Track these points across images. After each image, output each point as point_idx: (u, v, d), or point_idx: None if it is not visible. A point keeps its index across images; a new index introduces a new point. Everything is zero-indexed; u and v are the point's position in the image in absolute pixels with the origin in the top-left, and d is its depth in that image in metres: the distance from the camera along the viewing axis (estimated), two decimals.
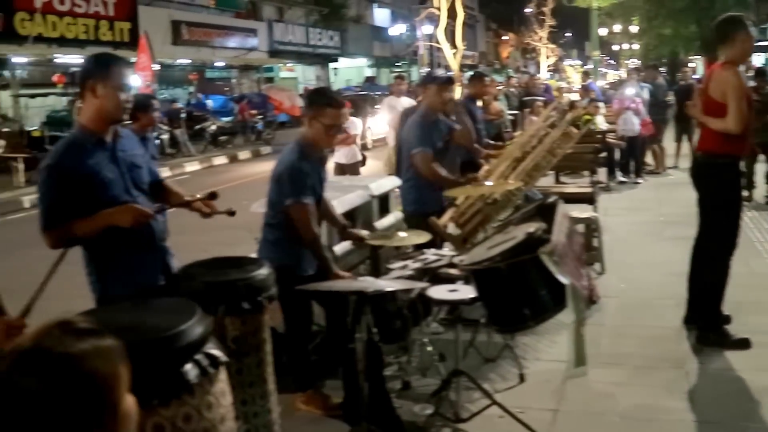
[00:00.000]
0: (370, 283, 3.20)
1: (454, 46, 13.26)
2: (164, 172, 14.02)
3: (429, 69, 36.05)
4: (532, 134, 6.11)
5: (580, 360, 3.52)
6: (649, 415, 4.25)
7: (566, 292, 3.28)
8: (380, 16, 48.90)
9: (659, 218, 9.84)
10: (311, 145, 4.10)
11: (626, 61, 61.60)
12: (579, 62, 75.06)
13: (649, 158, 13.74)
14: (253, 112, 26.02)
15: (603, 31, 41.01)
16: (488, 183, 4.48)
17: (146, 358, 2.20)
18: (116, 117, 3.22)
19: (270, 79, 36.28)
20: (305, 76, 40.30)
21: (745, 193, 10.43)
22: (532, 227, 3.39)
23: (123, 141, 3.36)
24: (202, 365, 2.40)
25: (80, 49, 23.45)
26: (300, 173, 3.98)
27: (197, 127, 23.90)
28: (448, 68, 13.27)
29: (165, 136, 21.54)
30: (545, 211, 3.97)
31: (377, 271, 5.73)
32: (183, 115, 22.67)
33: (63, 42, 22.96)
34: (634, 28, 40.99)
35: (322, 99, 4.07)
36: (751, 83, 9.81)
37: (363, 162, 10.88)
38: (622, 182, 12.60)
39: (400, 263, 4.31)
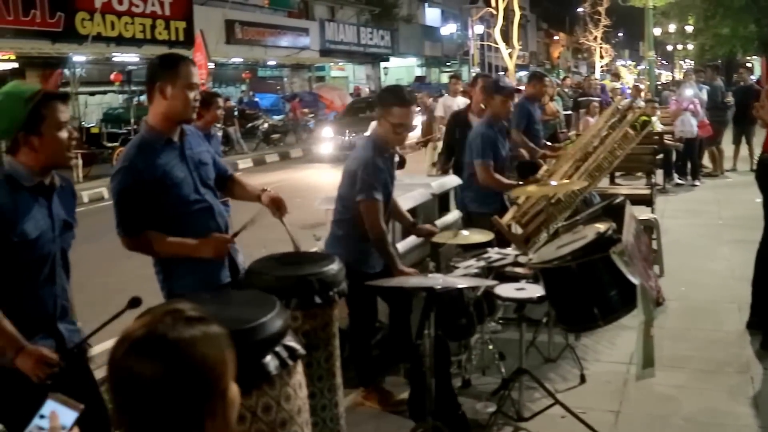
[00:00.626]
0: (439, 280, 3.22)
1: (509, 45, 13.18)
2: None
3: (479, 69, 35.97)
4: (593, 135, 6.07)
5: (648, 361, 3.50)
6: (714, 419, 4.20)
7: (636, 292, 3.26)
8: (431, 15, 48.83)
9: (718, 221, 9.67)
10: (383, 142, 4.15)
11: (680, 62, 60.43)
12: (631, 63, 73.91)
13: (706, 160, 13.50)
14: (305, 110, 26.24)
15: (657, 31, 40.26)
16: (552, 183, 4.46)
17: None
18: (185, 116, 3.25)
19: (321, 78, 36.55)
20: (356, 75, 40.49)
21: None
22: (602, 227, 3.38)
23: (189, 139, 3.38)
24: (281, 357, 2.45)
25: (137, 48, 23.98)
26: (374, 169, 4.03)
27: (249, 125, 24.23)
28: (499, 69, 13.22)
29: (218, 134, 21.82)
30: (611, 212, 3.95)
31: (438, 270, 5.78)
32: (236, 113, 22.97)
33: (121, 41, 23.49)
34: (689, 28, 40.13)
35: (390, 97, 4.10)
36: None
37: (402, 164, 10.45)
38: (678, 184, 12.41)
39: (465, 261, 4.32)
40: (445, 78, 48.00)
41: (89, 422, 2.98)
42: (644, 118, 11.50)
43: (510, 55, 11.78)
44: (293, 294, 3.14)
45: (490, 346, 4.68)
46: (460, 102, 11.55)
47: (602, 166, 5.53)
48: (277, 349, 2.46)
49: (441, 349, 3.53)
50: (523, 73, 57.05)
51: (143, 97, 24.73)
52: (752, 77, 16.35)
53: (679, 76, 44.30)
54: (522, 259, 4.26)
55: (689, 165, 12.65)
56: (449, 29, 45.66)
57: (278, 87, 33.67)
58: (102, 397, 3.19)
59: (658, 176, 11.83)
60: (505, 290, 3.74)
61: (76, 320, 3.00)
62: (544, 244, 3.70)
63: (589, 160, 5.49)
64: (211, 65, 20.90)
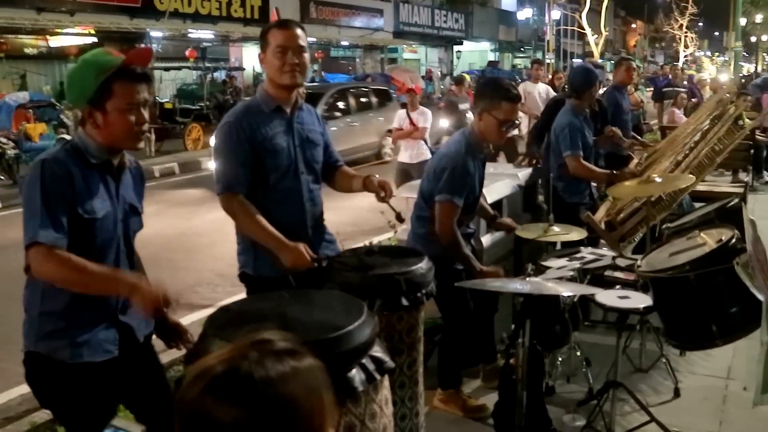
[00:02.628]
0: (539, 286, 2.93)
1: (596, 31, 12.66)
2: None
3: (554, 55, 35.11)
4: (693, 129, 5.65)
5: (765, 387, 3.14)
6: None
7: (761, 309, 2.91)
8: None
9: None
10: (479, 139, 3.87)
11: (763, 54, 58.07)
12: (710, 54, 71.37)
13: None
14: None
15: (742, 21, 38.68)
16: (657, 180, 4.09)
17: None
18: (280, 81, 3.13)
19: (393, 60, 36.26)
20: (428, 57, 40.04)
21: None
22: (724, 234, 3.03)
23: (303, 115, 3.29)
24: (368, 370, 2.19)
25: (212, 24, 24.13)
26: (463, 171, 3.77)
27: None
28: (574, 56, 12.70)
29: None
30: (726, 216, 3.59)
31: (520, 266, 5.48)
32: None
33: (197, 17, 23.65)
34: None
35: (497, 91, 3.79)
36: None
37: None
38: (767, 182, 11.73)
39: (556, 261, 4.02)
40: (518, 63, 47.15)
41: (157, 413, 2.83)
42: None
43: (596, 41, 11.26)
44: (378, 294, 2.87)
45: (578, 352, 4.37)
46: (542, 89, 11.16)
47: (704, 164, 5.12)
48: (364, 361, 2.20)
49: (535, 359, 3.24)
50: (599, 61, 55.97)
51: (217, 74, 25.00)
52: None
53: (761, 68, 42.48)
54: (621, 262, 3.93)
55: None
56: (525, 14, 44.71)
57: (350, 68, 33.52)
58: (168, 385, 3.02)
59: (743, 173, 11.26)
60: (607, 298, 3.42)
61: None
62: (653, 250, 3.35)
63: (690, 156, 5.09)
64: None
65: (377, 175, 3.36)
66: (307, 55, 3.16)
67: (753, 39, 55.65)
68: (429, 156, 9.08)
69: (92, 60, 2.50)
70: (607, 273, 3.76)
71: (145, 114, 2.52)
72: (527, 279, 2.99)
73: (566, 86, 12.34)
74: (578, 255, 4.14)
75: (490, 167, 5.13)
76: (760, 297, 2.95)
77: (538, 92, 11.05)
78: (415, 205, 4.02)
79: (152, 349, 2.88)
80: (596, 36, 11.38)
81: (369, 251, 3.25)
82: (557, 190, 5.46)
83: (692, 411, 4.17)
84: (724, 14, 31.85)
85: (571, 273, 3.63)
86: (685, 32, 21.68)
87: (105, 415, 2.62)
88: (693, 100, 13.17)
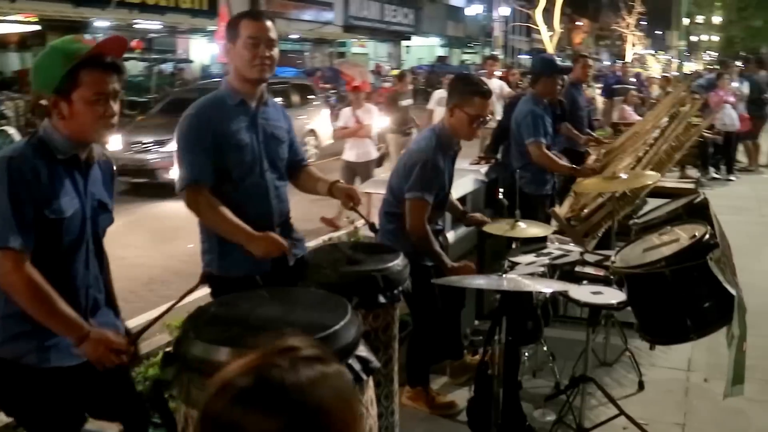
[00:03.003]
0: (516, 283, 2.91)
1: (551, 28, 12.79)
2: None
3: (502, 51, 35.41)
4: (652, 126, 5.74)
5: (738, 378, 3.20)
6: None
7: (733, 303, 2.96)
8: None
9: (760, 218, 9.32)
10: (450, 136, 3.84)
11: (702, 53, 59.56)
12: (652, 52, 72.98)
13: (740, 155, 13.12)
14: (326, 86, 25.83)
15: (685, 21, 39.62)
16: (623, 176, 4.13)
17: None
18: (248, 75, 2.99)
19: (342, 54, 36.09)
20: (377, 52, 39.99)
21: None
22: (697, 230, 3.06)
23: (268, 110, 3.16)
24: (355, 371, 2.15)
25: (160, 15, 23.65)
26: (434, 168, 3.73)
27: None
28: (520, 52, 12.83)
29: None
30: (692, 211, 3.64)
31: (483, 261, 5.49)
32: None
33: (144, 8, 23.15)
34: (716, 19, 39.47)
35: (469, 87, 3.78)
36: None
37: (380, 162, 9.57)
38: (714, 178, 12.02)
39: (523, 257, 4.02)
40: (467, 58, 47.44)
41: (125, 418, 2.74)
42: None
43: (551, 38, 11.38)
44: (355, 292, 2.83)
45: (545, 347, 4.39)
46: (495, 85, 11.23)
47: (663, 160, 5.21)
48: (350, 361, 2.15)
49: (511, 355, 3.23)
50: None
51: (164, 66, 24.53)
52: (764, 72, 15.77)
53: (700, 67, 43.61)
54: (589, 258, 3.95)
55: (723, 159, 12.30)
56: (474, 10, 44.98)
57: (299, 61, 33.24)
58: (135, 388, 2.92)
59: (690, 169, 11.53)
60: (581, 294, 3.42)
61: (119, 311, 2.71)
62: (626, 245, 3.38)
63: (650, 153, 5.15)
64: None
65: (341, 182, 3.32)
66: (277, 49, 3.06)
67: (693, 38, 57.13)
68: (375, 155, 9.13)
69: (60, 47, 2.37)
70: (578, 269, 3.77)
71: (115, 107, 2.39)
72: (504, 276, 2.97)
73: (518, 84, 12.49)
74: (545, 250, 4.14)
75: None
76: (732, 291, 3.00)
77: (492, 88, 11.11)
78: (384, 201, 3.97)
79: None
80: (551, 33, 11.51)
81: (343, 248, 3.20)
82: (520, 183, 5.47)
83: (657, 403, 4.23)
84: (666, 13, 32.52)
85: (542, 269, 3.63)
86: (633, 31, 22.13)
87: (74, 423, 2.53)
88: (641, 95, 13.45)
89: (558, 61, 6.06)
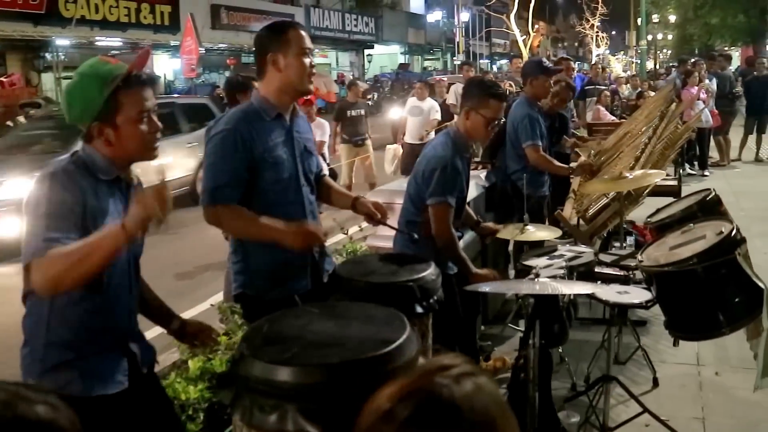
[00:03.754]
0: (547, 286, 2.92)
1: (524, 32, 12.89)
2: None
3: (464, 57, 35.67)
4: (645, 126, 5.81)
5: (766, 371, 3.24)
6: None
7: (762, 297, 3.00)
8: (415, 3, 48.42)
9: (740, 213, 9.45)
10: (465, 139, 3.83)
11: (658, 52, 60.62)
12: (612, 52, 74.07)
13: (712, 150, 13.37)
14: None
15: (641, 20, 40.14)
16: (628, 176, 4.17)
17: (364, 379, 1.95)
18: (303, 88, 2.92)
19: None
20: (339, 62, 40.02)
21: None
22: (723, 227, 3.10)
23: (299, 121, 3.07)
24: None
25: (121, 32, 23.41)
26: (453, 171, 3.70)
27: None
28: (482, 57, 12.92)
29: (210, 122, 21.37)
30: (706, 208, 3.68)
31: (485, 266, 5.50)
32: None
33: (104, 24, 22.90)
34: (672, 18, 40.22)
35: (485, 90, 3.78)
36: None
37: (332, 178, 9.07)
38: (690, 174, 12.22)
39: (536, 260, 4.03)
40: (428, 65, 47.70)
41: None
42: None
43: (524, 41, 11.49)
44: (392, 303, 2.79)
45: (560, 349, 4.41)
46: None
47: (660, 159, 5.27)
48: None
49: (544, 360, 3.24)
50: (504, 62, 57.24)
51: None
52: (730, 68, 16.14)
53: (658, 66, 44.39)
54: (604, 258, 3.98)
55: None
56: (434, 16, 45.25)
57: None
58: (177, 417, 2.88)
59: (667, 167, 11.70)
60: (608, 294, 3.44)
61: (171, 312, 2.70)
62: (648, 245, 3.40)
63: (646, 152, 5.21)
64: (202, 50, 20.42)
65: (364, 197, 3.29)
66: None
67: (650, 37, 58.17)
68: (325, 171, 8.76)
69: (92, 72, 2.29)
70: (597, 269, 3.80)
71: (157, 121, 2.36)
72: (537, 280, 2.98)
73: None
74: (557, 253, 4.16)
75: None
76: (761, 285, 3.04)
77: None
78: (403, 211, 3.94)
79: (157, 379, 2.73)
80: (524, 37, 11.63)
81: (371, 259, 3.18)
82: (518, 184, 5.52)
83: (673, 399, 4.27)
84: (623, 14, 33.00)
85: (561, 271, 3.65)
86: (597, 32, 22.39)
87: None
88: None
89: (546, 63, 6.13)
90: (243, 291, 3.05)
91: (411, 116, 10.94)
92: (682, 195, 7.97)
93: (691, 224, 3.33)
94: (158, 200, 2.06)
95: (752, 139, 13.85)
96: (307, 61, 2.92)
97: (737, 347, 4.93)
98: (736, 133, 13.75)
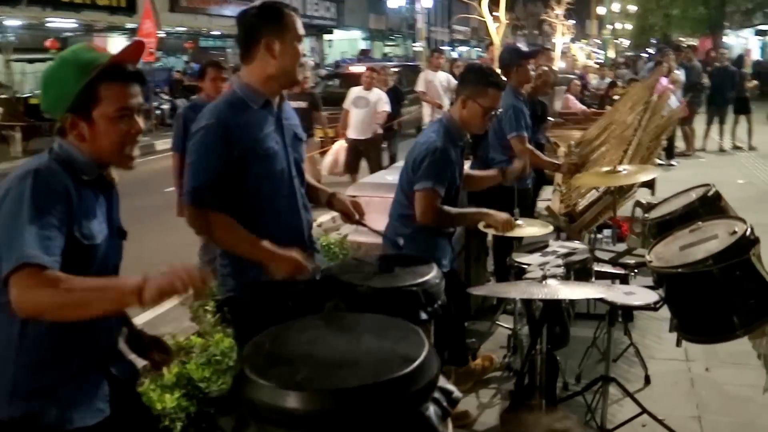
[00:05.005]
0: (554, 290, 2.77)
1: (497, 20, 12.75)
2: (166, 144, 13.40)
3: (425, 44, 35.50)
4: (629, 118, 5.72)
5: None
6: None
7: None
8: None
9: None
10: (459, 127, 3.66)
11: (615, 41, 61.27)
12: (571, 41, 74.67)
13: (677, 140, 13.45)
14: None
15: (601, 10, 40.60)
16: (623, 170, 4.05)
17: (386, 404, 1.79)
18: (295, 77, 2.73)
19: None
20: None
21: None
22: (737, 226, 2.98)
23: (286, 107, 2.85)
24: (441, 405, 1.94)
25: (75, 12, 22.64)
26: (444, 157, 3.53)
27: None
28: (443, 43, 12.75)
29: (166, 106, 20.96)
30: (707, 205, 3.58)
31: (468, 262, 5.38)
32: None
33: (57, 5, 22.05)
34: (632, 8, 40.63)
35: (484, 78, 3.61)
36: None
37: None
38: (658, 164, 12.23)
39: (527, 257, 3.89)
40: (388, 51, 47.47)
41: None
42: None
43: (497, 29, 11.35)
44: (396, 309, 2.63)
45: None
46: (442, 77, 11.14)
47: (646, 152, 5.18)
48: (436, 394, 1.94)
49: (551, 365, 3.10)
50: (464, 48, 57.18)
51: None
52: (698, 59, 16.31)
53: (614, 55, 44.80)
54: (602, 255, 3.86)
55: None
56: (397, 2, 44.91)
57: (221, 58, 32.48)
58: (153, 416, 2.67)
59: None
60: (615, 296, 3.32)
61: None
62: (656, 243, 3.28)
63: (633, 145, 5.10)
64: (162, 34, 19.94)
65: (340, 193, 3.12)
66: None
67: (610, 27, 58.74)
68: None
69: (72, 58, 2.06)
70: (597, 268, 3.67)
71: (140, 122, 2.10)
72: (545, 282, 2.83)
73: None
74: (549, 249, 4.02)
75: None
76: None
77: (439, 81, 11.02)
78: (395, 204, 3.76)
79: (140, 398, 2.52)
80: (497, 24, 11.54)
81: (367, 262, 3.00)
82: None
83: (667, 397, 4.19)
84: (582, 3, 33.19)
85: (561, 270, 3.50)
86: (562, 21, 22.39)
87: None
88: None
89: (521, 49, 6.04)
90: (235, 295, 2.85)
91: (355, 108, 9.75)
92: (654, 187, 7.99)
93: (700, 222, 3.22)
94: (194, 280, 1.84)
95: (714, 129, 14.05)
96: (300, 48, 2.73)
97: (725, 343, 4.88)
98: (700, 123, 13.90)
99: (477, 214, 3.66)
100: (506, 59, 5.82)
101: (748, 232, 2.91)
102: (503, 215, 3.61)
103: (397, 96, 10.70)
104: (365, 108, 9.62)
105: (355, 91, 9.91)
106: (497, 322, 4.87)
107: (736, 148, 14.02)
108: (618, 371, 4.48)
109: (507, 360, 4.58)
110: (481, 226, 3.90)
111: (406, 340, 2.03)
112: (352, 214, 3.02)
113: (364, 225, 3.10)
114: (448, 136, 3.60)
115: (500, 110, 3.84)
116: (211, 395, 4.09)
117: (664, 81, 11.96)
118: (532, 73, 5.88)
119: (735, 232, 2.92)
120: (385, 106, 9.67)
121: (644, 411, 3.69)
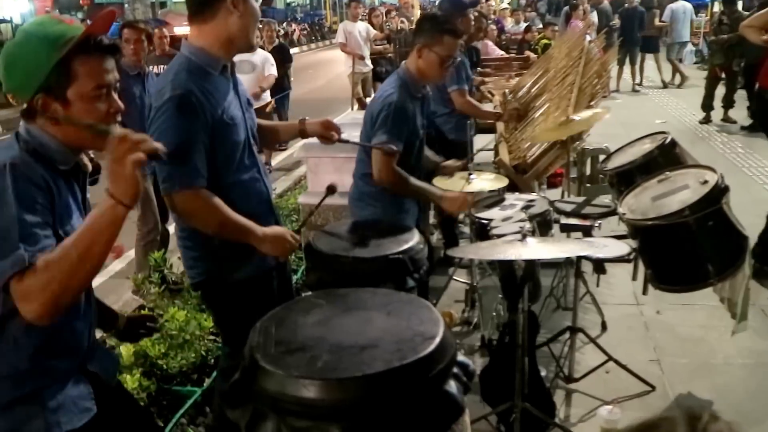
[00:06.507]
0: (536, 248, 2.74)
1: None
2: None
3: None
4: (563, 66, 5.73)
5: (744, 315, 3.25)
6: (758, 359, 4.05)
7: (745, 244, 2.97)
8: None
9: None
10: (416, 79, 3.51)
11: None
12: None
13: None
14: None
15: None
16: (575, 118, 4.05)
17: (412, 387, 1.72)
18: (252, 42, 2.59)
19: (163, 5, 34.06)
20: None
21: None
22: (707, 175, 3.01)
23: (236, 72, 2.71)
24: (461, 379, 1.88)
25: None
26: (401, 111, 3.37)
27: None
28: None
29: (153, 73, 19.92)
30: (665, 153, 3.61)
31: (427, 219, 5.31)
32: None
33: None
34: None
35: (439, 26, 3.46)
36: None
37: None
38: None
39: (492, 211, 3.86)
40: (291, 1, 46.47)
41: None
42: (545, 41, 11.36)
43: None
44: (384, 278, 2.57)
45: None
46: (361, 28, 10.94)
47: (588, 99, 5.21)
48: (455, 369, 1.88)
49: (532, 324, 3.09)
50: None
51: None
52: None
53: None
54: (563, 206, 3.87)
55: None
56: None
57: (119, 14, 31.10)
58: (150, 416, 2.55)
59: None
60: (595, 251, 3.30)
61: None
62: (627, 194, 3.28)
63: (574, 93, 5.12)
64: None
65: (308, 118, 3.01)
66: None
67: None
68: None
69: (40, 32, 1.83)
70: (563, 221, 3.67)
71: (118, 100, 1.91)
72: (526, 240, 2.79)
73: (385, 24, 12.24)
74: (508, 203, 4.00)
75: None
76: (744, 232, 3.00)
77: (358, 31, 10.80)
78: (358, 163, 3.62)
79: (124, 390, 2.38)
80: None
81: (342, 230, 2.90)
82: (443, 129, 5.35)
83: (624, 342, 4.27)
84: None
85: (529, 225, 3.47)
86: None
87: None
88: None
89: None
90: (207, 277, 2.69)
91: (240, 74, 9.01)
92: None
93: (667, 172, 3.24)
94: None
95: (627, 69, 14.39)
96: (258, 13, 2.59)
97: None
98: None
99: (433, 195, 3.53)
100: (447, 10, 5.69)
101: (719, 181, 2.95)
102: (458, 197, 3.49)
103: (283, 55, 9.70)
104: (251, 73, 8.16)
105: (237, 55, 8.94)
106: (455, 278, 4.85)
107: (639, 85, 14.45)
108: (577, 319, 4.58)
109: (466, 314, 4.59)
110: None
111: (418, 317, 1.95)
112: (331, 135, 2.93)
113: (345, 140, 3.07)
114: (405, 89, 3.46)
115: (458, 58, 3.74)
116: (170, 372, 3.98)
117: (579, 24, 12.12)
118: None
119: (707, 182, 2.95)
120: (272, 69, 8.45)
121: (610, 358, 3.77)
